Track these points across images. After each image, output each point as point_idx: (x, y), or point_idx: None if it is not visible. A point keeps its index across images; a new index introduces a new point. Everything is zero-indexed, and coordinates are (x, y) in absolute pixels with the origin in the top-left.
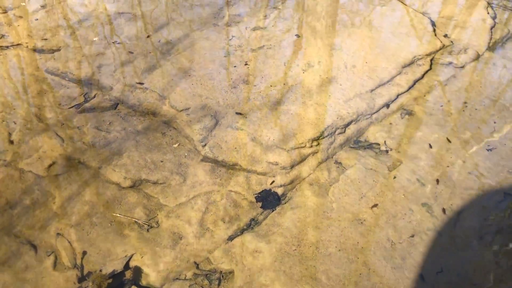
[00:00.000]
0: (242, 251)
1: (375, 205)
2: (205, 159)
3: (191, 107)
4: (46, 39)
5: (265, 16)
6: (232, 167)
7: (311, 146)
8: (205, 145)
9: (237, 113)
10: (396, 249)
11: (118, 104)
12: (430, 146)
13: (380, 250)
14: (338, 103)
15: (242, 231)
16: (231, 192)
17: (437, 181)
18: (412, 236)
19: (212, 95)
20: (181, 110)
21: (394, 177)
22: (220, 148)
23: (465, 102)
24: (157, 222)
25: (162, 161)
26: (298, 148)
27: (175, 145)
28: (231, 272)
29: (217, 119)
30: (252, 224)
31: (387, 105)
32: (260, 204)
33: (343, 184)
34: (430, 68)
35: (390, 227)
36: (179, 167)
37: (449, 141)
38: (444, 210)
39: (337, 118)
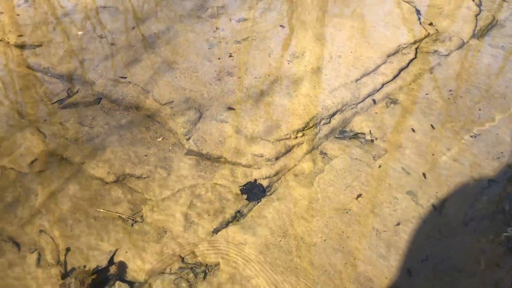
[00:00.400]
0: (227, 243)
1: (360, 195)
2: (189, 152)
3: (175, 100)
4: (28, 34)
5: (251, 7)
6: (217, 160)
7: (296, 137)
8: (190, 138)
9: (221, 106)
10: (381, 238)
11: (101, 98)
12: (415, 133)
13: (365, 239)
14: (323, 93)
15: (227, 224)
16: (216, 185)
17: (423, 173)
18: (398, 224)
19: (196, 88)
20: (165, 104)
21: (379, 166)
22: (205, 141)
23: (450, 90)
24: (142, 216)
25: (146, 155)
26: (283, 139)
27: (159, 139)
28: (217, 265)
29: (202, 112)
30: (237, 217)
31: (372, 95)
32: (245, 196)
33: (328, 174)
34: (415, 57)
35: (375, 216)
36: (164, 161)
37: (433, 128)
38: (429, 199)
39: (322, 108)
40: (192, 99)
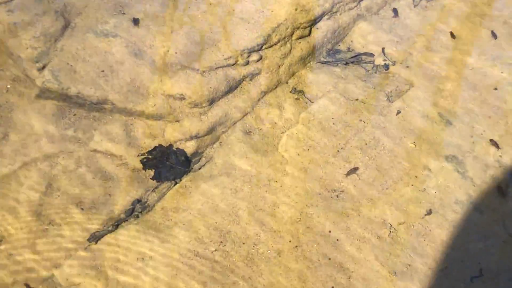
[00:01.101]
0: (116, 259)
1: (356, 168)
2: (44, 93)
3: None
4: None
5: None
6: (97, 107)
7: (248, 63)
8: (44, 67)
9: (106, 6)
10: (393, 241)
11: None
12: (466, 55)
13: (367, 247)
14: None
15: (116, 224)
16: (96, 153)
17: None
18: (429, 213)
19: None
20: None
21: (398, 113)
22: (74, 73)
23: None
24: None
25: None
26: (223, 67)
27: None
28: None
29: (68, 18)
30: (135, 211)
31: None
32: (152, 172)
33: (305, 129)
34: None
35: (381, 202)
36: None
37: (495, 37)
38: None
39: (296, 9)
40: None
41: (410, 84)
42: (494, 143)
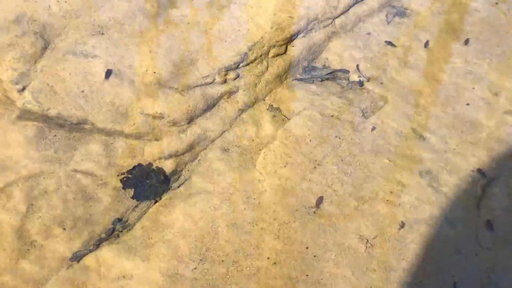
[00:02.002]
0: (98, 278)
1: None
2: (24, 114)
3: None
4: None
5: None
6: (77, 127)
7: (225, 82)
8: (24, 88)
9: (85, 27)
10: (372, 255)
11: None
12: (439, 69)
13: (347, 263)
14: (274, 0)
15: (97, 244)
16: (77, 173)
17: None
18: (402, 227)
19: None
20: None
21: (373, 129)
22: (54, 94)
23: None
24: None
25: None
26: (201, 85)
27: None
28: None
29: (48, 39)
30: (116, 230)
31: (361, 1)
32: (131, 191)
33: (282, 146)
34: None
35: (362, 217)
36: None
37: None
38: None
39: (272, 28)
40: (29, 16)
41: (385, 100)
42: (467, 158)
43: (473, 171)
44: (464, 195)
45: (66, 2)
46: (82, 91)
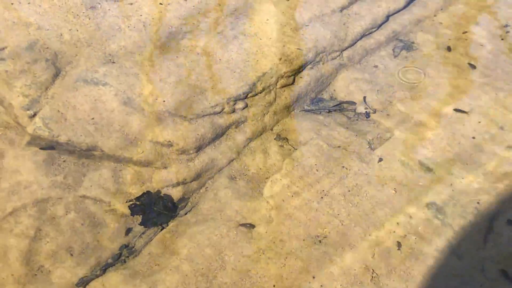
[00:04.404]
0: None
1: (338, 215)
2: (34, 140)
3: (9, 46)
4: None
5: None
6: (86, 154)
7: (234, 111)
8: (35, 115)
9: (96, 56)
10: None
11: None
12: (446, 104)
13: None
14: (282, 32)
15: (104, 269)
16: (85, 198)
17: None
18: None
19: (50, 23)
20: None
21: (380, 160)
22: (64, 120)
23: None
24: None
25: None
26: (210, 114)
27: None
28: None
29: (59, 67)
30: (123, 256)
31: (368, 34)
32: (139, 218)
33: (289, 176)
34: None
35: (369, 246)
36: None
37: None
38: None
39: (280, 59)
40: (41, 44)
41: (391, 132)
42: (473, 190)
43: (479, 203)
44: (471, 228)
45: (77, 30)
46: (92, 118)
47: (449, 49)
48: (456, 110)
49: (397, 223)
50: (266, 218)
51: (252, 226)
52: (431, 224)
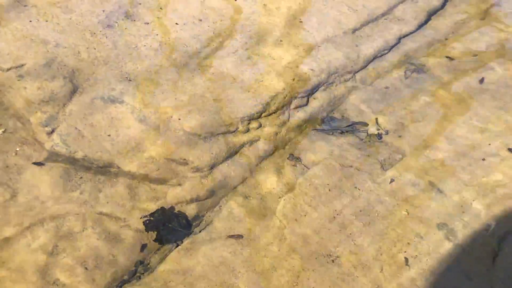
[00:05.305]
0: None
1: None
2: (52, 156)
3: (28, 63)
4: None
5: None
6: (103, 170)
7: (248, 130)
8: (53, 131)
9: (113, 74)
10: None
11: None
12: (455, 124)
13: None
14: (296, 53)
15: (120, 286)
16: (101, 215)
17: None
18: None
19: (67, 40)
20: (9, 69)
21: (392, 181)
22: (81, 137)
23: None
24: None
25: None
26: (224, 133)
27: None
28: None
29: (77, 84)
30: (138, 272)
31: (380, 56)
32: (154, 234)
33: (302, 195)
34: None
35: (380, 269)
36: (5, 174)
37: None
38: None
39: (293, 79)
40: (59, 61)
41: (403, 153)
42: (483, 212)
43: (489, 225)
44: (481, 249)
45: (95, 48)
46: (109, 135)
47: (459, 71)
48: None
49: (408, 243)
50: (279, 237)
51: (240, 236)
52: (442, 244)
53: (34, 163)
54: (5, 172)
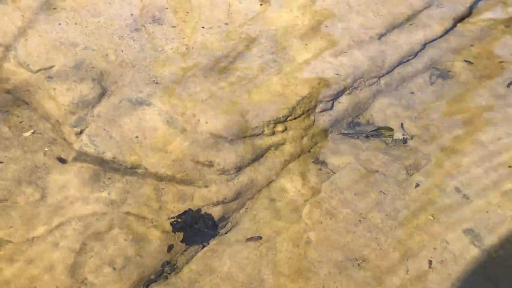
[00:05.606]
0: None
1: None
2: (81, 156)
3: (57, 65)
4: None
5: None
6: (131, 171)
7: (274, 133)
8: (82, 132)
9: (141, 76)
10: None
11: None
12: (481, 131)
13: None
14: (321, 58)
15: (147, 285)
16: (129, 215)
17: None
18: None
19: (96, 43)
20: (38, 70)
21: (417, 186)
22: (109, 138)
23: None
24: None
25: (1, 163)
26: (250, 136)
27: (27, 133)
28: None
29: (105, 86)
30: (165, 272)
31: (405, 62)
32: (181, 235)
33: (328, 199)
34: None
35: (406, 269)
36: (34, 173)
37: None
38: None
39: (319, 84)
40: (87, 63)
41: (428, 158)
42: (509, 217)
43: None
44: (506, 254)
45: (122, 51)
46: (136, 137)
47: (485, 76)
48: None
49: (434, 248)
50: (305, 240)
51: (259, 238)
52: (468, 250)
53: (58, 158)
54: (34, 172)
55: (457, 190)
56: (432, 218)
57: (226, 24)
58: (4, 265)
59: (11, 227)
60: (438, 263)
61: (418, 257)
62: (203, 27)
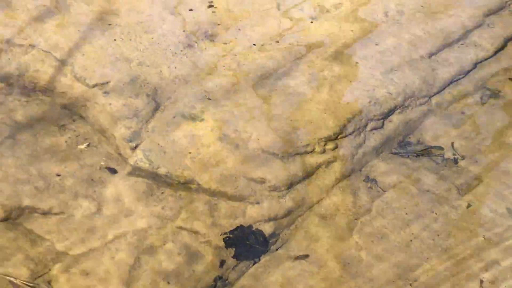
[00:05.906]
0: None
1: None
2: (135, 171)
3: (112, 80)
4: None
5: None
6: (184, 187)
7: (324, 151)
8: (136, 147)
9: (193, 92)
10: None
11: None
12: None
13: None
14: (371, 76)
15: None
16: (182, 230)
17: None
18: None
19: (149, 59)
20: (95, 85)
21: (469, 206)
22: (163, 153)
23: None
24: (49, 283)
25: (59, 176)
26: (301, 153)
27: (83, 146)
28: None
29: (159, 101)
30: (217, 287)
31: (456, 81)
32: (232, 251)
33: (379, 217)
34: None
35: None
36: (89, 186)
37: None
38: None
39: (370, 102)
40: (142, 79)
41: (479, 179)
42: None
43: None
44: None
45: (176, 68)
46: (190, 152)
47: None
48: None
49: (486, 270)
50: (356, 258)
51: (306, 256)
52: None
53: (107, 168)
54: (90, 186)
55: (509, 211)
56: (483, 238)
57: (277, 42)
58: (62, 277)
59: (67, 239)
60: (490, 283)
61: (469, 278)
62: (254, 44)
